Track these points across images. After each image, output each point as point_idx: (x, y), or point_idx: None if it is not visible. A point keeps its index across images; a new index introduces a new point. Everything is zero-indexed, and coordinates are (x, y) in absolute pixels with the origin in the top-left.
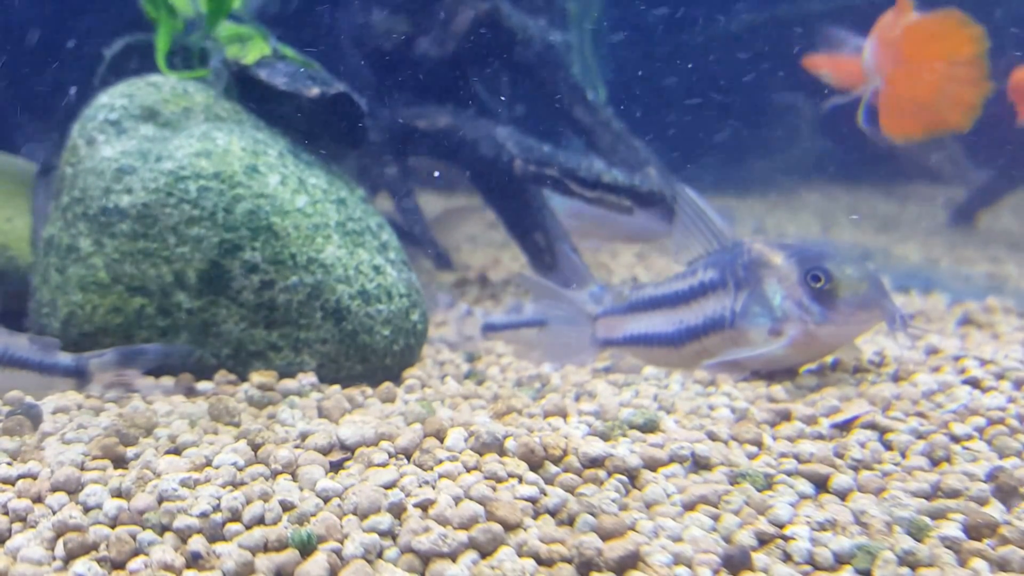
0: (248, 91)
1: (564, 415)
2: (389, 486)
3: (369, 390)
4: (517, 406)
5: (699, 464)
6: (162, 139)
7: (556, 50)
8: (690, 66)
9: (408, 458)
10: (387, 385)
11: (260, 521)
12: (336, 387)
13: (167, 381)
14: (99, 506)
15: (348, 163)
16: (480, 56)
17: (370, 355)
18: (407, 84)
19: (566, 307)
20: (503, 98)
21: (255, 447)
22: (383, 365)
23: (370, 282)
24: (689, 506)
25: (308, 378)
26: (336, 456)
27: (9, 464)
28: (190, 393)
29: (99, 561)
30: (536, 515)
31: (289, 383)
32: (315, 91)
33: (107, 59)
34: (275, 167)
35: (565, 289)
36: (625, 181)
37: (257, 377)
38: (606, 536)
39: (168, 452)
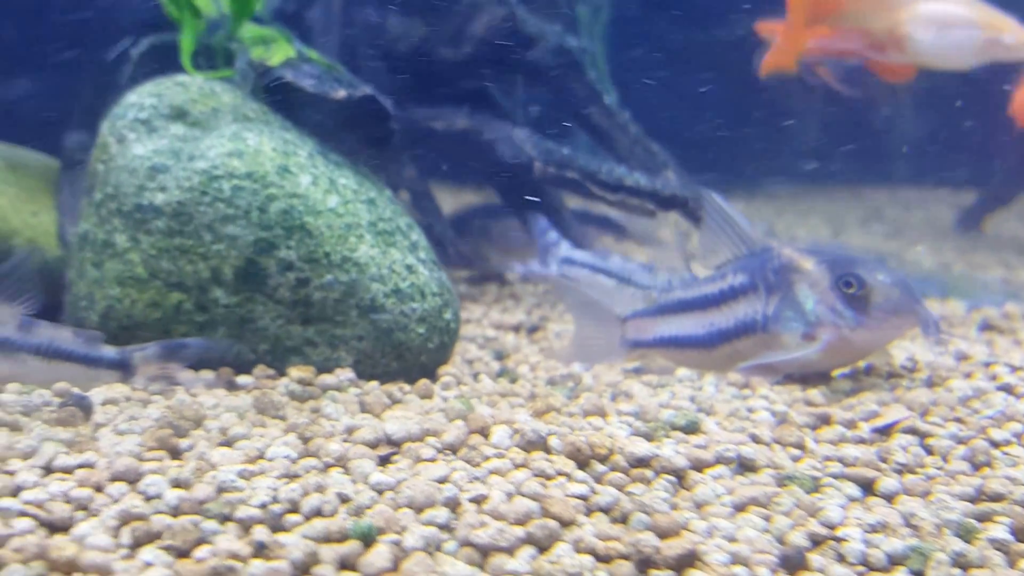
0: (273, 93)
1: (603, 415)
2: (441, 481)
3: (407, 387)
4: (556, 405)
5: (744, 466)
6: (192, 138)
7: (572, 54)
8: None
9: (454, 454)
10: (424, 382)
11: (318, 513)
12: (374, 383)
13: (207, 375)
14: (159, 496)
15: (373, 164)
16: (496, 59)
17: (405, 352)
18: (423, 86)
19: (597, 307)
20: (519, 101)
21: (305, 440)
22: (418, 363)
23: (403, 281)
24: (740, 507)
25: (346, 374)
26: (383, 450)
27: (67, 454)
28: (230, 387)
29: (165, 549)
30: (589, 512)
31: (328, 378)
32: (342, 93)
33: (134, 58)
34: (306, 167)
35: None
36: (647, 184)
37: (296, 372)
38: (662, 534)
39: (220, 444)
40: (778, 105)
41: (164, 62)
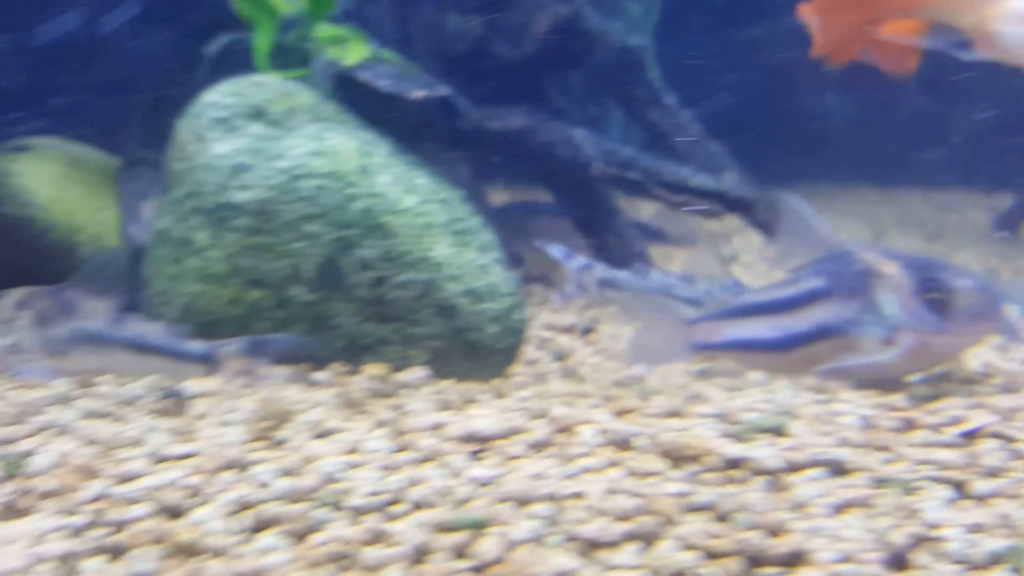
0: (348, 92)
1: (683, 416)
2: (537, 477)
3: (481, 386)
4: (633, 406)
5: (838, 469)
6: (272, 138)
7: (635, 53)
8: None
9: (542, 451)
10: (498, 381)
11: (422, 504)
12: (449, 382)
13: (284, 370)
14: (269, 484)
15: (445, 165)
16: (557, 59)
17: (478, 352)
18: (478, 85)
19: (660, 309)
20: (578, 100)
21: (397, 435)
22: (489, 362)
23: (478, 281)
24: (839, 508)
25: (420, 372)
26: (472, 447)
27: (174, 443)
28: (308, 383)
29: (282, 535)
30: (689, 511)
31: (402, 376)
32: (420, 93)
33: (208, 57)
34: (384, 167)
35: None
36: (714, 186)
37: (371, 369)
38: (769, 532)
39: (315, 437)
40: (808, 103)
41: (235, 61)
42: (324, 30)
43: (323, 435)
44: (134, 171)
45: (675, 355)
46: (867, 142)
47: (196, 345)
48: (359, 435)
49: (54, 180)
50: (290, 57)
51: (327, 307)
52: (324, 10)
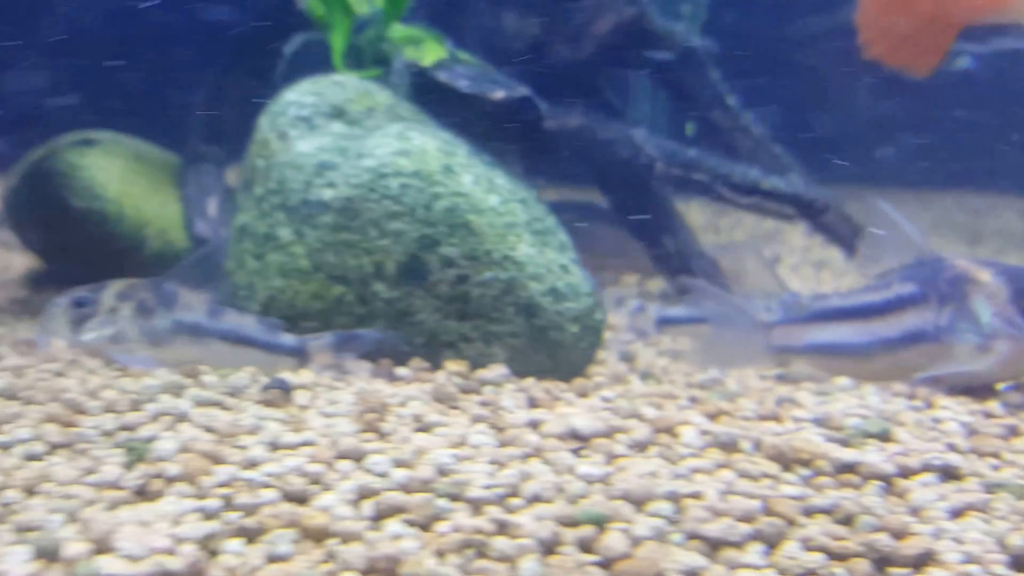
0: (424, 93)
1: (779, 419)
2: (649, 476)
3: (563, 384)
4: (725, 408)
5: (949, 474)
6: (354, 137)
7: (698, 54)
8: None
9: (645, 451)
10: (581, 381)
11: (538, 498)
12: (531, 380)
13: (367, 365)
14: (386, 474)
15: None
16: (619, 59)
17: (558, 351)
18: (536, 85)
19: (737, 313)
20: (635, 100)
21: (498, 430)
22: (569, 361)
23: (559, 280)
24: (957, 512)
25: (500, 370)
26: (572, 444)
27: (289, 432)
28: (391, 378)
29: (408, 523)
30: (808, 514)
31: (483, 373)
32: (500, 94)
33: (286, 56)
34: (467, 167)
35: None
36: (787, 188)
37: (452, 366)
38: (895, 535)
39: (419, 430)
40: (841, 103)
41: (305, 61)
42: (399, 30)
43: (426, 428)
44: (197, 167)
45: (752, 358)
46: (901, 143)
47: (289, 338)
48: (461, 429)
49: (122, 174)
50: (364, 57)
51: (408, 303)
52: (399, 10)
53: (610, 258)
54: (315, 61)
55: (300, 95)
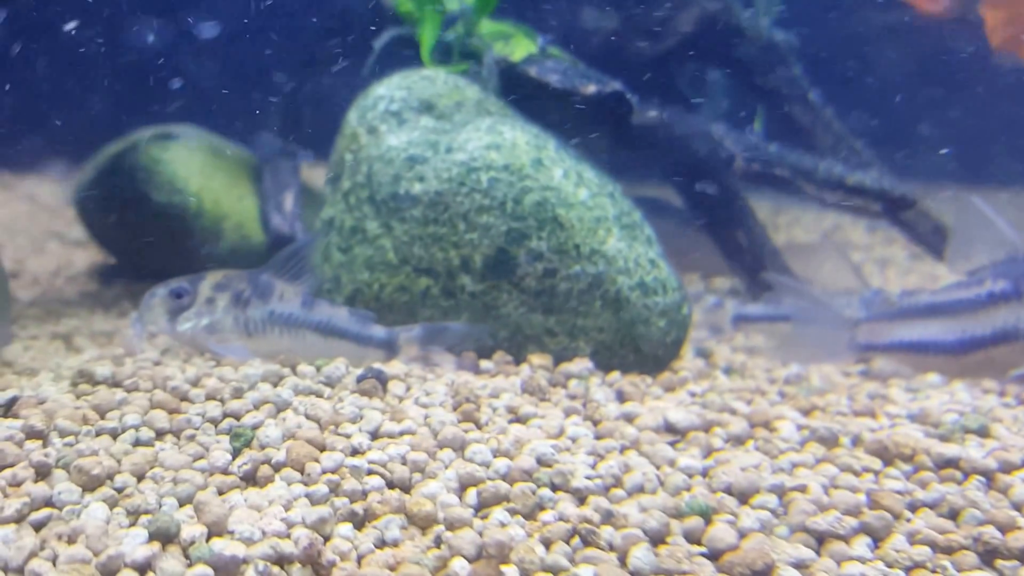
0: (514, 88)
1: (874, 415)
2: (751, 469)
3: (648, 379)
4: (817, 404)
5: None
6: (443, 131)
7: (779, 48)
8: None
9: (743, 445)
10: (668, 375)
11: (641, 489)
12: (616, 374)
13: (453, 357)
14: (487, 464)
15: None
16: (700, 54)
17: (644, 345)
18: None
19: (821, 309)
20: (717, 95)
21: (594, 423)
22: (655, 356)
23: (647, 274)
24: None
25: (584, 363)
26: (668, 437)
27: (390, 421)
28: (476, 371)
29: (511, 511)
30: (913, 508)
31: (568, 367)
32: (592, 88)
33: (376, 50)
34: (557, 161)
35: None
36: (873, 184)
37: (536, 359)
38: (1000, 528)
39: (514, 421)
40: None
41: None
42: (488, 25)
43: (521, 420)
44: (274, 163)
45: (836, 355)
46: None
47: (379, 330)
48: (557, 421)
49: (201, 169)
50: (452, 52)
51: (494, 297)
52: (490, 6)
53: (671, 256)
54: (399, 57)
55: (390, 89)
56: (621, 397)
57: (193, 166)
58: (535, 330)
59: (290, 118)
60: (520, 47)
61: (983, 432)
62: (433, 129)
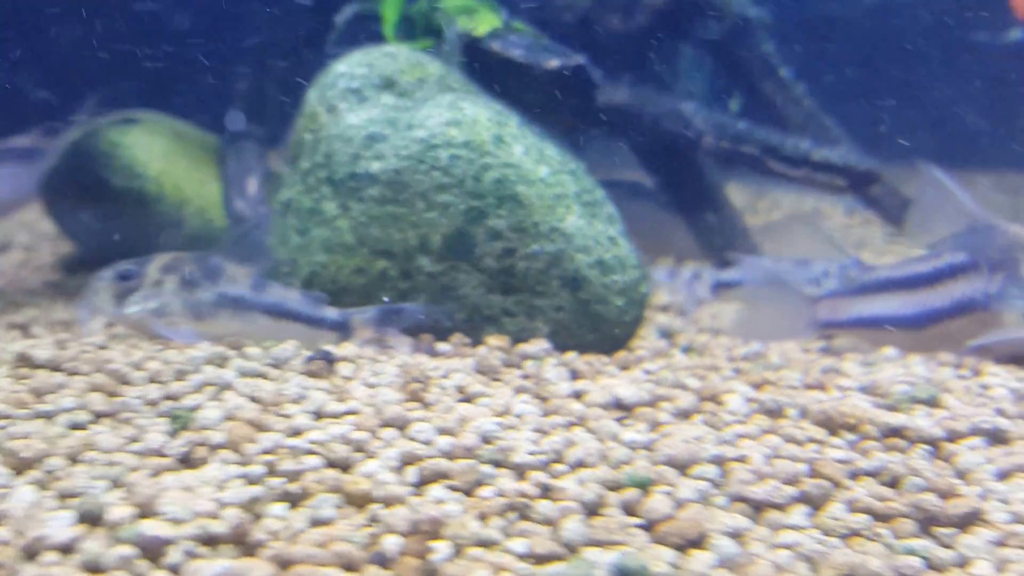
0: (477, 63)
1: (824, 388)
2: (694, 441)
3: (605, 358)
4: (769, 378)
5: (997, 438)
6: (404, 108)
7: (752, 25)
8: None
9: (690, 418)
10: (624, 354)
11: (582, 464)
12: (572, 354)
13: (409, 339)
14: (430, 442)
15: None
16: (672, 30)
17: (602, 324)
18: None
19: (781, 286)
20: (685, 72)
21: (542, 400)
22: (612, 335)
23: (607, 252)
24: (1004, 474)
25: (541, 344)
26: (616, 414)
27: (333, 402)
28: (431, 353)
29: (451, 488)
30: (854, 476)
31: (525, 348)
32: (555, 63)
33: (339, 27)
34: (518, 137)
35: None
36: (839, 159)
37: (493, 341)
38: (940, 496)
39: (461, 400)
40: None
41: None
42: (453, 0)
43: (469, 398)
44: (238, 146)
45: (796, 332)
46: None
47: (331, 312)
48: (504, 399)
49: (163, 153)
50: (416, 27)
51: (453, 277)
52: None
53: (645, 239)
54: (366, 32)
55: (351, 67)
56: (574, 376)
57: (154, 150)
58: (493, 311)
59: (256, 100)
60: (484, 21)
61: (932, 402)
62: (394, 106)
